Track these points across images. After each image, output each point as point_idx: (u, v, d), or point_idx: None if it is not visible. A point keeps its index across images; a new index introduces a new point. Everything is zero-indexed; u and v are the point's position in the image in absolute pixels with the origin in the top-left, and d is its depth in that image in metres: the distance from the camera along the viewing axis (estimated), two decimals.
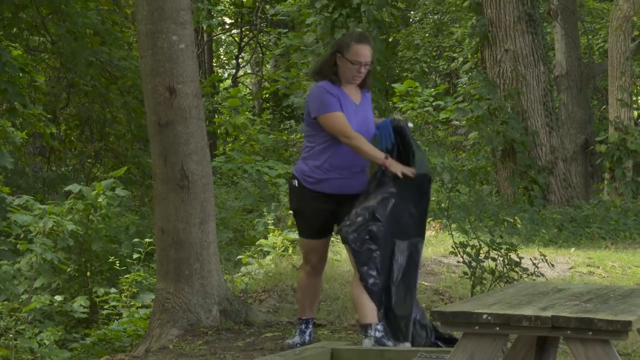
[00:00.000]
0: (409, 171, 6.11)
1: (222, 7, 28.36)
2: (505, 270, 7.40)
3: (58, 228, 10.35)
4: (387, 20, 16.65)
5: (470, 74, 19.46)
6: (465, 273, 7.48)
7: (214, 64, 31.63)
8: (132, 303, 9.90)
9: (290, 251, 10.86)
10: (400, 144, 6.30)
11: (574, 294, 4.66)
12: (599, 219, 14.08)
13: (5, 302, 9.18)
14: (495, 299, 4.55)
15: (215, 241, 7.45)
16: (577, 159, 18.91)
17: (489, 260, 7.43)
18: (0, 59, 12.67)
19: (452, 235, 7.39)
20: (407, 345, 6.11)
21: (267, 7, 27.44)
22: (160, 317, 7.27)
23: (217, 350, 6.71)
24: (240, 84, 30.91)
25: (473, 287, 7.42)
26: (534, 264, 7.51)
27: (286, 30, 25.93)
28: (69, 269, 10.86)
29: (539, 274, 7.48)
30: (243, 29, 30.75)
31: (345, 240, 6.12)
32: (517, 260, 7.43)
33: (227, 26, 31.15)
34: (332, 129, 6.16)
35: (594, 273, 10.16)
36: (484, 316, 4.24)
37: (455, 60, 25.92)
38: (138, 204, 16.40)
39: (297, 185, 6.34)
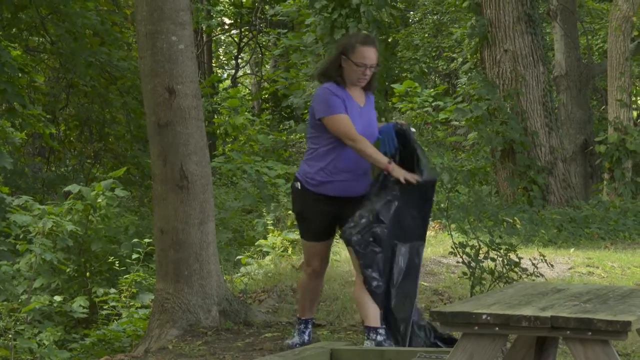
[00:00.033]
0: (413, 178, 6.10)
1: (222, 8, 28.37)
2: (504, 270, 7.41)
3: (57, 228, 10.35)
4: (386, 20, 16.65)
5: (469, 74, 19.47)
6: (464, 273, 7.48)
7: (214, 65, 31.64)
8: (131, 303, 9.90)
9: (289, 251, 10.86)
10: (403, 149, 6.30)
11: (573, 294, 4.66)
12: (598, 219, 14.08)
13: (5, 303, 9.18)
14: (494, 299, 4.55)
15: (215, 241, 7.46)
16: (577, 160, 18.91)
17: (489, 260, 7.43)
18: (0, 59, 12.67)
19: (452, 236, 7.40)
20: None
21: (267, 7, 27.45)
22: (159, 318, 7.27)
23: (216, 350, 6.71)
24: (239, 85, 30.91)
25: (472, 288, 7.43)
26: (533, 264, 7.51)
27: (285, 30, 25.93)
28: (68, 270, 10.86)
29: (538, 275, 7.48)
30: (242, 30, 30.76)
31: (348, 243, 6.10)
32: (517, 260, 7.43)
33: (226, 27, 31.16)
34: (337, 131, 6.15)
35: (593, 273, 10.16)
36: (484, 316, 4.24)
37: (455, 61, 25.93)
38: (137, 204, 16.39)
39: (299, 187, 6.32)
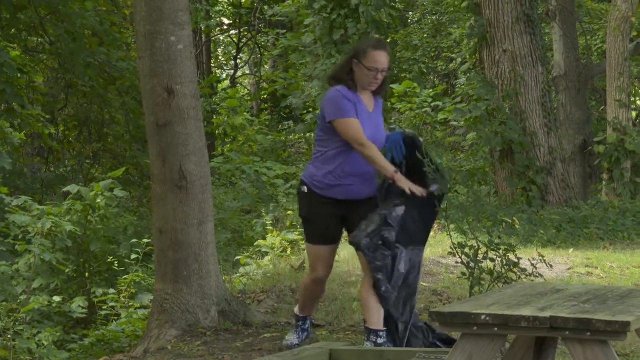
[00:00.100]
0: (418, 190, 6.11)
1: (220, 8, 28.37)
2: (503, 270, 7.40)
3: (56, 228, 10.35)
4: (385, 20, 16.66)
5: (468, 74, 19.47)
6: (463, 273, 7.47)
7: (212, 65, 31.64)
8: (130, 303, 9.90)
9: (288, 252, 10.87)
10: (409, 158, 6.29)
11: (572, 294, 4.66)
12: (597, 219, 14.07)
13: (4, 303, 9.18)
14: (493, 300, 4.55)
15: (214, 242, 7.46)
16: (575, 160, 18.91)
17: (487, 260, 7.42)
18: None
19: (450, 236, 7.38)
20: None
21: (265, 7, 27.45)
22: (158, 318, 7.27)
23: (215, 350, 6.71)
24: (238, 85, 30.91)
25: (471, 288, 7.42)
26: (532, 264, 7.50)
27: (284, 30, 25.95)
28: (67, 270, 10.86)
29: (537, 275, 7.47)
30: (241, 30, 30.77)
31: (358, 247, 6.12)
32: (516, 260, 7.42)
33: (225, 27, 31.17)
34: (346, 134, 6.14)
35: (592, 273, 10.16)
36: (482, 316, 4.24)
37: (454, 61, 25.93)
38: (136, 204, 16.40)
39: (306, 191, 6.31)
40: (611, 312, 4.16)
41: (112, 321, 9.61)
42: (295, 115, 22.43)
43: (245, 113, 21.23)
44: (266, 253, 11.02)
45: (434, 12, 27.71)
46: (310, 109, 18.62)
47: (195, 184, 7.26)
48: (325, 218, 6.28)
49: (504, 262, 7.44)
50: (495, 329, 4.24)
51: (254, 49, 30.61)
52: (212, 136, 22.05)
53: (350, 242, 6.24)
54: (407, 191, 6.07)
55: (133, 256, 10.68)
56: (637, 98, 25.12)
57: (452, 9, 24.93)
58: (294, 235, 11.25)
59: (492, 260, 7.42)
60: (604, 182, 17.43)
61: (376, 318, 6.15)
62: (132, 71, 15.33)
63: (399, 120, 20.95)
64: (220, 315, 7.32)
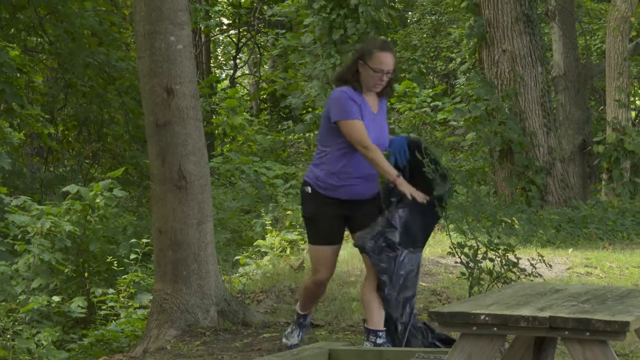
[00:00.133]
0: (419, 196, 6.11)
1: (220, 8, 28.36)
2: (503, 270, 7.40)
3: (56, 229, 10.34)
4: (384, 20, 16.65)
5: (468, 74, 19.47)
6: (462, 274, 7.47)
7: (212, 65, 31.64)
8: (129, 304, 9.90)
9: (288, 252, 10.87)
10: (413, 163, 6.30)
11: (571, 294, 4.66)
12: (596, 219, 14.08)
13: (3, 303, 9.18)
14: (493, 300, 4.55)
15: (213, 242, 7.46)
16: (575, 160, 18.91)
17: (487, 260, 7.42)
18: None
19: (450, 236, 7.38)
20: None
21: (265, 7, 27.45)
22: (158, 318, 7.27)
23: (214, 350, 6.71)
24: (238, 85, 30.91)
25: (471, 288, 7.42)
26: (531, 264, 7.50)
27: (284, 31, 25.94)
28: (66, 270, 10.86)
29: (536, 275, 7.47)
30: (241, 30, 30.76)
31: (363, 250, 6.14)
32: (515, 260, 7.42)
33: (224, 27, 31.16)
34: (350, 136, 6.14)
35: (591, 274, 10.16)
36: (482, 317, 4.24)
37: (453, 61, 25.93)
38: (136, 204, 16.39)
39: (310, 192, 6.29)
40: (610, 312, 4.16)
41: (112, 321, 9.61)
42: (294, 116, 22.43)
43: (244, 113, 21.23)
44: (266, 253, 11.02)
45: (433, 12, 27.72)
46: (310, 109, 18.62)
47: (195, 184, 7.26)
48: (329, 218, 6.27)
49: (504, 262, 7.44)
50: (495, 329, 4.24)
51: (254, 49, 30.61)
52: (212, 136, 22.05)
53: (355, 245, 6.25)
54: (409, 196, 6.08)
55: (132, 256, 10.69)
56: (636, 98, 25.13)
57: (451, 9, 24.93)
58: (293, 236, 11.26)
59: (491, 260, 7.42)
60: (603, 182, 17.43)
61: (377, 319, 6.17)
62: (132, 71, 15.33)
63: (399, 121, 20.95)
64: (219, 315, 7.32)
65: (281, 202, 13.76)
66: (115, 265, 11.06)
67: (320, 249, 6.33)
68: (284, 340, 6.72)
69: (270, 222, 12.56)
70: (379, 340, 6.13)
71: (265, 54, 30.46)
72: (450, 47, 26.35)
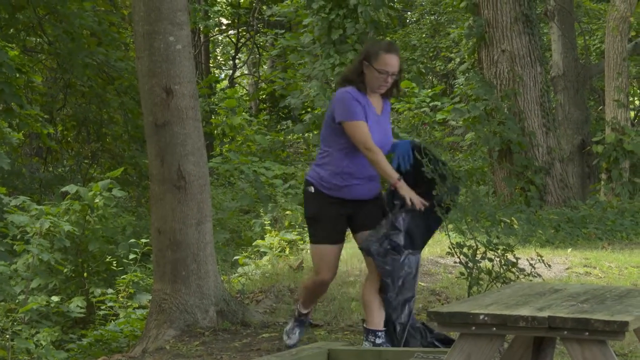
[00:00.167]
0: (418, 202, 6.11)
1: (219, 8, 28.37)
2: (502, 270, 7.40)
3: (55, 229, 10.34)
4: (383, 21, 16.65)
5: (467, 74, 19.48)
6: (462, 274, 7.47)
7: (211, 65, 31.63)
8: (128, 304, 9.90)
9: (287, 252, 10.86)
10: (417, 167, 6.30)
11: (570, 294, 4.66)
12: (595, 219, 14.08)
13: (2, 303, 9.18)
14: (492, 300, 4.55)
15: (212, 242, 7.46)
16: (574, 160, 18.91)
17: (486, 260, 7.41)
18: None
19: (449, 236, 7.37)
20: None
21: (264, 7, 27.45)
22: (157, 318, 7.27)
23: (213, 350, 6.71)
24: (237, 85, 30.91)
25: (470, 288, 7.42)
26: (530, 264, 7.50)
27: (283, 31, 25.93)
28: (65, 270, 10.86)
29: (535, 275, 7.47)
30: (240, 30, 30.76)
31: (368, 253, 6.14)
32: (514, 260, 7.42)
33: (224, 27, 31.16)
34: (354, 137, 6.14)
35: (590, 273, 10.17)
36: (481, 317, 4.24)
37: (452, 61, 25.94)
38: (135, 204, 16.40)
39: (313, 191, 6.29)
40: (610, 312, 4.16)
41: (111, 321, 9.61)
42: (293, 116, 22.43)
43: (243, 113, 21.22)
44: (265, 253, 11.01)
45: (432, 12, 27.72)
46: (309, 109, 18.62)
47: (194, 184, 7.26)
48: (332, 218, 6.27)
49: (503, 262, 7.44)
50: (494, 329, 4.24)
51: (253, 49, 30.61)
52: (211, 136, 22.05)
53: (360, 248, 6.24)
54: (407, 201, 6.08)
55: (131, 256, 10.68)
56: (635, 98, 25.13)
57: (450, 9, 24.93)
58: (292, 236, 11.25)
59: (490, 260, 7.42)
60: (602, 182, 17.44)
61: (378, 319, 6.18)
62: (131, 71, 15.33)
63: (398, 121, 20.96)
64: (218, 315, 7.32)
65: (280, 202, 13.75)
66: (115, 265, 11.06)
67: (323, 248, 6.32)
68: (284, 337, 6.73)
69: (269, 222, 12.56)
70: (378, 340, 6.14)
71: (264, 54, 30.46)
72: (449, 47, 26.36)
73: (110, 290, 10.31)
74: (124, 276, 10.29)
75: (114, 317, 9.78)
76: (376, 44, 6.40)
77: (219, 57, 34.06)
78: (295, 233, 11.35)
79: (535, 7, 16.71)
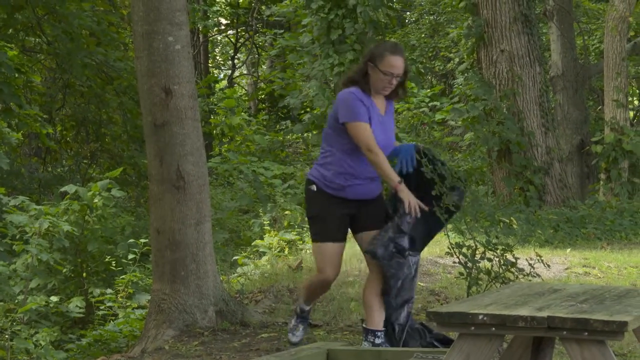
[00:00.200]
0: (414, 207, 6.11)
1: (218, 8, 28.35)
2: (501, 270, 7.40)
3: (54, 229, 10.34)
4: (383, 21, 16.64)
5: (466, 74, 19.47)
6: (461, 274, 7.47)
7: (210, 65, 31.62)
8: (128, 304, 9.90)
9: (286, 252, 10.86)
10: (419, 170, 6.29)
11: (569, 294, 4.66)
12: (594, 219, 14.08)
13: (1, 303, 9.18)
14: (491, 300, 4.55)
15: (211, 242, 7.45)
16: (573, 160, 18.92)
17: (485, 260, 7.42)
18: None
19: (448, 236, 7.37)
20: None
21: (263, 7, 27.44)
22: (156, 318, 7.27)
23: (213, 350, 6.71)
24: (236, 85, 30.90)
25: (469, 288, 7.42)
26: (529, 264, 7.50)
27: (282, 31, 25.92)
28: (64, 270, 10.86)
29: (534, 275, 7.47)
30: (239, 30, 30.76)
31: (374, 256, 6.14)
32: (513, 260, 7.42)
33: (223, 27, 31.15)
34: (357, 138, 6.14)
35: (589, 274, 10.17)
36: (480, 317, 4.24)
37: (451, 61, 25.94)
38: (134, 204, 16.39)
39: (315, 190, 6.29)
40: (609, 312, 4.16)
41: (110, 321, 9.61)
42: (293, 116, 22.42)
43: (243, 113, 21.21)
44: (264, 253, 11.01)
45: (431, 12, 27.72)
46: (308, 109, 18.62)
47: (193, 184, 7.26)
48: (335, 217, 6.27)
49: (502, 262, 7.44)
50: (493, 329, 4.24)
51: (252, 49, 30.61)
52: (210, 136, 22.04)
53: (366, 251, 6.24)
54: (406, 204, 6.08)
55: (131, 256, 10.68)
56: (634, 98, 25.14)
57: (449, 9, 24.93)
58: (291, 236, 11.25)
59: (489, 260, 7.42)
60: (601, 182, 17.44)
61: (378, 320, 6.19)
62: (130, 71, 15.33)
63: (397, 121, 20.95)
64: (217, 315, 7.32)
65: (279, 202, 13.75)
66: (114, 265, 11.06)
67: (327, 246, 6.30)
68: (289, 335, 6.74)
69: (268, 222, 12.55)
70: (377, 340, 6.14)
71: (263, 54, 30.45)
72: (448, 47, 26.36)
73: (109, 290, 10.30)
74: (123, 276, 10.29)
75: (113, 317, 9.77)
76: (381, 45, 6.38)
77: (218, 57, 34.05)
78: (295, 233, 11.35)
79: (534, 7, 16.71)
